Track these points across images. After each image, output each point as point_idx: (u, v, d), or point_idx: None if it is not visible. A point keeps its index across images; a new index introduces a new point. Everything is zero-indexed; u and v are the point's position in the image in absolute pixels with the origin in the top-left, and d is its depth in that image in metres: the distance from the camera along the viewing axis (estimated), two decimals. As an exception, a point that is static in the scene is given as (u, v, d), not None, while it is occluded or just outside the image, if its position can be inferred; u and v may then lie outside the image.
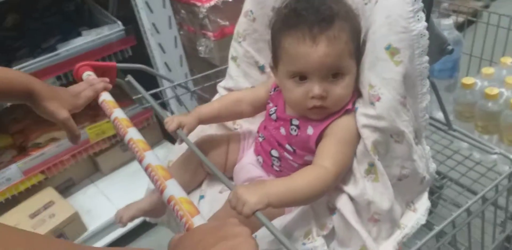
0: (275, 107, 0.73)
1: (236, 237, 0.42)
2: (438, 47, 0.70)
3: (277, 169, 0.73)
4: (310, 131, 0.67)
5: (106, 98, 0.76)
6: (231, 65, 0.86)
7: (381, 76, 0.60)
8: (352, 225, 0.62)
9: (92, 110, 1.53)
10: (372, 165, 0.63)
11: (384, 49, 0.59)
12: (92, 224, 1.41)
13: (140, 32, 1.33)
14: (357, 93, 0.67)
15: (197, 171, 0.79)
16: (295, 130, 0.69)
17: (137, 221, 1.40)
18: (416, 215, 0.69)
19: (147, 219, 0.86)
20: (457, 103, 1.06)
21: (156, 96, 0.97)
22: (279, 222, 0.65)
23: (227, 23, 1.36)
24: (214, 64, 1.42)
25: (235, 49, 0.85)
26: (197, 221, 0.48)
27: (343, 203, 0.64)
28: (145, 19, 1.28)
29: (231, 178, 0.80)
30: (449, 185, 1.08)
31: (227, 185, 0.60)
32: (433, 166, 0.70)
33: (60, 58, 1.25)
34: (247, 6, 0.82)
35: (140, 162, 0.60)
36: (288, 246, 0.49)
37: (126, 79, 0.89)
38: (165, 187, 0.54)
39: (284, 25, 0.65)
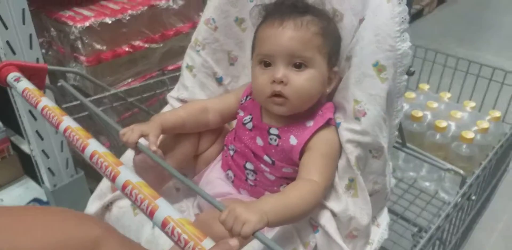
0: (250, 116, 0.71)
1: None
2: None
3: (252, 183, 0.70)
4: (293, 140, 0.65)
5: (29, 86, 0.65)
6: (186, 74, 0.80)
7: (367, 92, 0.61)
8: (337, 242, 0.61)
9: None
10: (352, 180, 0.64)
11: (372, 66, 0.61)
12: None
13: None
14: (336, 106, 0.68)
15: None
16: (275, 140, 0.67)
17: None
18: (379, 230, 0.71)
19: None
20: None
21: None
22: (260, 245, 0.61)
23: (104, 47, 1.21)
24: (86, 93, 1.21)
25: (191, 58, 0.80)
26: (160, 203, 0.45)
27: (326, 220, 0.63)
28: (-4, 36, 1.05)
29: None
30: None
31: (213, 204, 0.53)
32: (393, 181, 0.73)
33: None
34: (208, 13, 0.78)
35: (83, 150, 0.54)
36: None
37: (59, 84, 0.77)
38: (118, 173, 0.49)
39: (263, 17, 0.69)
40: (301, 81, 0.63)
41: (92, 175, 1.37)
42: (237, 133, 0.72)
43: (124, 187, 0.49)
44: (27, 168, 1.41)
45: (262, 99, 0.66)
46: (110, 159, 0.51)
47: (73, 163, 1.28)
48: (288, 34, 0.63)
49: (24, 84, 0.67)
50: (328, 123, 0.66)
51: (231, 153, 0.71)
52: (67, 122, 0.58)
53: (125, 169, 0.51)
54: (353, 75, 0.63)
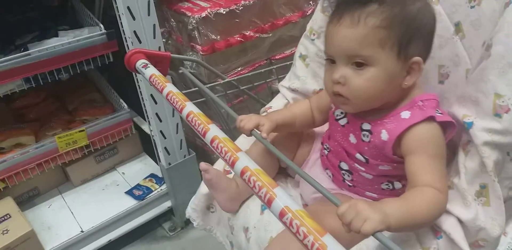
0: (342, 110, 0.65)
1: None
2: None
3: (350, 184, 0.65)
4: (384, 136, 0.58)
5: (156, 73, 0.67)
6: (299, 64, 0.77)
7: (513, 85, 0.52)
8: (463, 251, 0.54)
9: (68, 115, 1.42)
10: (484, 187, 0.55)
11: (520, 56, 0.51)
12: (50, 243, 1.20)
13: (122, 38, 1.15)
14: (463, 101, 0.59)
15: (272, 165, 0.71)
16: (367, 136, 0.60)
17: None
18: (507, 239, 0.61)
19: (195, 223, 0.76)
20: None
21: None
22: (374, 243, 0.56)
23: (218, 37, 1.22)
24: (201, 80, 1.27)
25: (305, 47, 0.76)
26: (278, 192, 0.43)
27: (451, 227, 0.55)
28: (126, 26, 1.10)
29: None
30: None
31: (327, 196, 0.49)
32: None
33: (30, 59, 1.10)
34: (325, 1, 0.73)
35: (204, 135, 0.54)
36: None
37: (180, 71, 0.79)
38: (237, 159, 0.48)
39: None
40: (360, 82, 0.56)
41: (202, 156, 1.43)
42: (330, 130, 0.67)
43: (242, 173, 0.47)
44: (146, 146, 1.52)
45: (329, 96, 0.61)
46: (229, 145, 0.50)
47: (186, 145, 1.34)
48: (342, 33, 0.56)
49: (151, 70, 0.69)
50: (428, 119, 0.56)
51: (326, 152, 0.67)
52: (190, 107, 0.58)
53: (244, 155, 0.49)
54: (495, 65, 0.53)
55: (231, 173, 0.76)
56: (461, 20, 0.63)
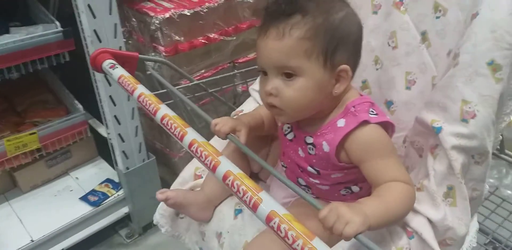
0: (289, 125, 0.65)
1: None
2: None
3: (313, 196, 0.66)
4: (326, 147, 0.59)
5: (125, 74, 0.63)
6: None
7: (479, 92, 0.55)
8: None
9: (17, 117, 1.32)
10: (451, 189, 0.57)
11: (486, 64, 0.54)
12: (-4, 253, 1.12)
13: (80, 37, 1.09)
14: (431, 106, 0.60)
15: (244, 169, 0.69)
16: (312, 149, 0.61)
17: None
18: (468, 237, 0.64)
19: (163, 230, 0.73)
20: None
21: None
22: (350, 244, 0.57)
23: (181, 38, 1.19)
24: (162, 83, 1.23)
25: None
26: (263, 196, 0.42)
27: (422, 227, 0.57)
28: (86, 24, 1.05)
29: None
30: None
31: (310, 202, 0.49)
32: (487, 187, 0.66)
33: (-21, 57, 1.01)
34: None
35: (181, 139, 0.51)
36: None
37: (148, 72, 0.76)
38: (219, 163, 0.46)
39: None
40: (290, 93, 0.56)
41: (162, 160, 1.39)
42: (282, 146, 0.67)
43: (225, 177, 0.46)
44: (101, 149, 1.44)
45: (266, 108, 0.62)
46: (209, 149, 0.49)
47: (146, 148, 1.30)
48: (269, 46, 0.56)
49: (120, 71, 0.66)
50: (361, 124, 0.57)
51: (284, 169, 0.68)
52: (164, 110, 0.56)
53: (225, 159, 0.48)
54: (462, 73, 0.56)
55: (202, 177, 0.74)
56: (427, 29, 0.66)
